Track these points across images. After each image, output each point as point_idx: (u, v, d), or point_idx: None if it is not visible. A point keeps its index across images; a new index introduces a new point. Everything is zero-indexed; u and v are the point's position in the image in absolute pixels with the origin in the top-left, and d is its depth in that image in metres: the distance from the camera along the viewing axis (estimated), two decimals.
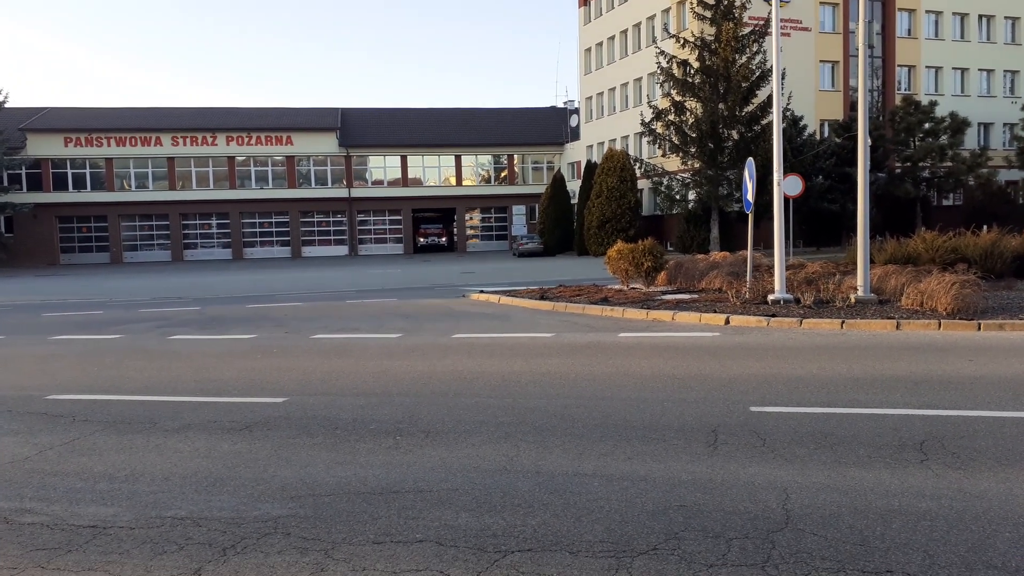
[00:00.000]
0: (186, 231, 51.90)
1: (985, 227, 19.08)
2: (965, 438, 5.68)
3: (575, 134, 53.94)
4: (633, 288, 17.60)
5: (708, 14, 35.04)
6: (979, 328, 11.08)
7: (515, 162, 55.93)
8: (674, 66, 35.63)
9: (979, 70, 44.87)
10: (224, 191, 51.37)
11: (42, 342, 12.77)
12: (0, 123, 45.10)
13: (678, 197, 37.36)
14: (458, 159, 54.95)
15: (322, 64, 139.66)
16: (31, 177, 48.85)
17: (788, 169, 27.52)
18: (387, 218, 54.40)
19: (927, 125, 37.51)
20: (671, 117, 35.82)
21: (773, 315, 12.43)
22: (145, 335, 13.30)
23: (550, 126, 56.64)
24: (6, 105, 45.79)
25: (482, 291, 18.94)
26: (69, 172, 49.72)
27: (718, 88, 34.63)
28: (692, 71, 35.30)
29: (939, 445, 5.52)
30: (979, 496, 4.55)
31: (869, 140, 13.77)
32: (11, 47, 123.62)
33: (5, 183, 46.70)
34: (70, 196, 49.45)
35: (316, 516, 4.51)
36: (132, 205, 50.61)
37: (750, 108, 34.89)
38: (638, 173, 39.68)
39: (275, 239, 53.01)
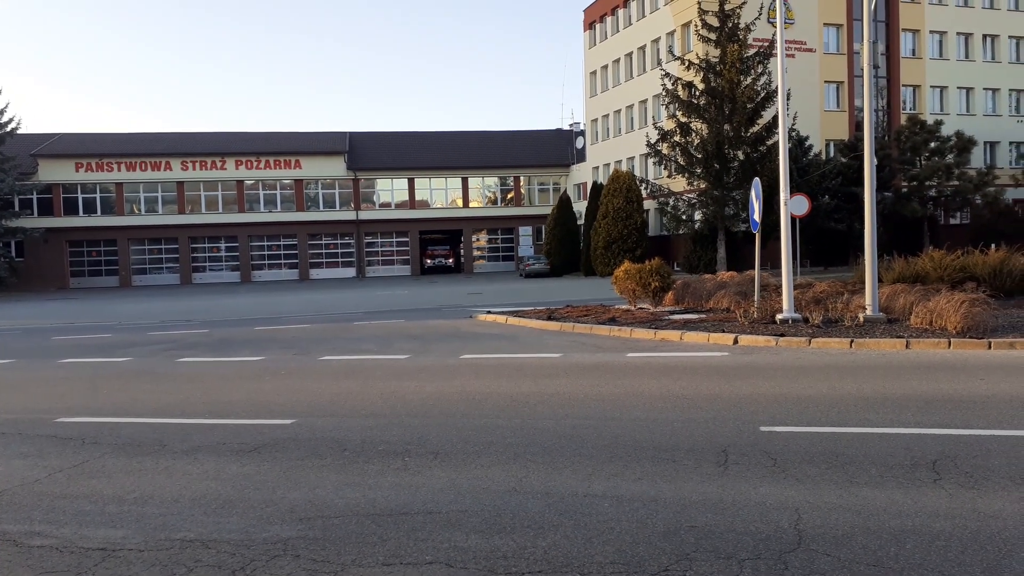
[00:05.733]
0: (195, 254, 52.16)
1: (993, 246, 19.00)
2: (978, 457, 5.63)
3: (581, 156, 54.18)
4: (640, 308, 17.57)
5: (713, 36, 35.28)
6: (989, 347, 11.01)
7: (521, 184, 56.16)
8: (679, 88, 35.82)
9: (984, 89, 44.99)
10: (233, 215, 51.69)
11: (52, 365, 12.82)
12: (12, 149, 45.56)
13: (684, 217, 37.39)
14: (465, 181, 55.22)
15: (330, 89, 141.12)
16: (42, 202, 49.27)
17: (794, 189, 27.55)
18: (394, 240, 54.59)
19: (933, 144, 37.52)
20: (677, 138, 35.96)
21: (782, 335, 12.39)
22: (154, 358, 13.34)
23: (556, 148, 56.91)
24: (18, 131, 46.29)
25: (489, 312, 18.94)
26: (80, 197, 50.13)
27: (723, 109, 34.77)
28: (697, 93, 35.48)
29: (952, 464, 5.47)
30: (994, 516, 4.50)
31: (875, 159, 13.79)
32: (22, 79, 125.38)
33: (16, 208, 47.09)
34: (80, 220, 49.82)
35: (325, 538, 4.50)
36: (142, 229, 50.93)
37: (755, 129, 35.00)
38: (644, 194, 39.76)
39: (283, 262, 53.22)
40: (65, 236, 49.27)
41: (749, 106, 34.42)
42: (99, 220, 50.10)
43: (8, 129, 45.46)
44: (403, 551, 4.26)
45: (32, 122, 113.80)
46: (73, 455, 6.61)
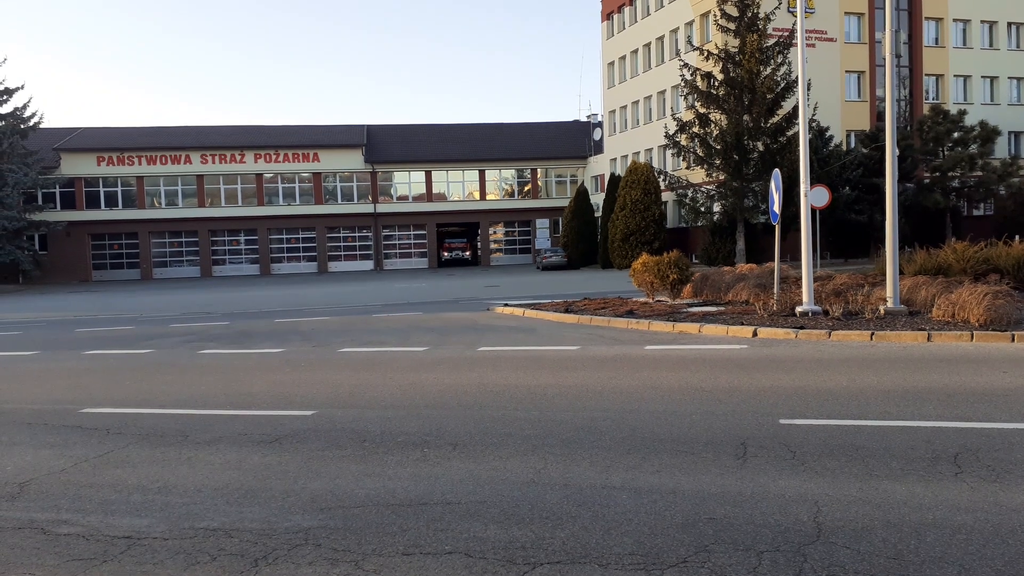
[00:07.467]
0: (215, 247, 52.64)
1: (1017, 237, 18.76)
2: (1001, 451, 5.58)
3: (599, 147, 53.97)
4: (659, 301, 17.52)
5: (732, 26, 34.97)
6: (1013, 339, 10.88)
7: (539, 176, 56.07)
8: (698, 78, 35.57)
9: (1009, 78, 44.23)
10: (252, 208, 52.08)
11: (76, 357, 13.00)
12: (35, 143, 46.18)
13: (703, 209, 37.16)
14: (482, 174, 55.23)
15: (348, 82, 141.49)
16: (64, 196, 49.90)
17: (814, 180, 27.27)
18: (412, 233, 54.77)
19: (956, 134, 36.97)
20: (695, 129, 35.72)
21: (801, 327, 12.31)
22: (175, 350, 13.49)
23: (573, 140, 56.75)
24: (41, 126, 46.87)
25: (507, 304, 18.97)
26: (101, 190, 50.70)
27: (743, 100, 34.49)
28: (716, 83, 35.21)
29: (974, 458, 5.43)
30: (1016, 509, 4.47)
31: (897, 150, 13.64)
32: (44, 73, 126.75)
33: (39, 202, 47.75)
34: (102, 214, 50.41)
35: (346, 527, 4.55)
36: (162, 222, 51.47)
37: (775, 119, 34.69)
38: (662, 186, 39.58)
39: (302, 255, 53.57)
40: (87, 229, 49.89)
41: (769, 96, 34.12)
42: (120, 213, 50.68)
43: (31, 124, 46.05)
44: (423, 541, 4.30)
45: (53, 116, 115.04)
46: (98, 445, 6.71)
